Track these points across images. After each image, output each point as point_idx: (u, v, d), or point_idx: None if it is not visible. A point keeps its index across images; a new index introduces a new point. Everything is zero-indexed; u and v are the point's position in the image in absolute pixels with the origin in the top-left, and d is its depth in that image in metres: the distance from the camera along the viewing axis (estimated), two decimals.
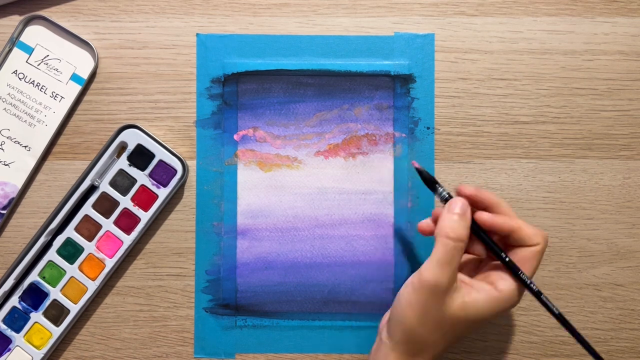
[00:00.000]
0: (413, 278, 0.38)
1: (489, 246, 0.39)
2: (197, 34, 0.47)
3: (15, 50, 0.46)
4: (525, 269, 0.39)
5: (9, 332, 0.45)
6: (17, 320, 0.45)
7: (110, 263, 0.45)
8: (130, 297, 0.46)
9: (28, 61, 0.46)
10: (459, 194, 0.40)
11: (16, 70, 0.46)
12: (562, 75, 0.47)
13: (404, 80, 0.47)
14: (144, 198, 0.45)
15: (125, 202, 0.45)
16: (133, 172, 0.45)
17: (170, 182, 0.45)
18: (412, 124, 0.47)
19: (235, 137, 0.47)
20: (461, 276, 0.39)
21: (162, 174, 0.46)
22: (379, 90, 0.47)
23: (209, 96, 0.47)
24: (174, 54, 0.47)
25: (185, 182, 0.46)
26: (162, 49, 0.47)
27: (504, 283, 0.38)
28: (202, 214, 0.47)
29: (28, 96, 0.46)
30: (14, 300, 0.45)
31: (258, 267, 0.47)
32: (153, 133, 0.46)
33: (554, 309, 0.38)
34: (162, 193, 0.45)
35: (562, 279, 0.47)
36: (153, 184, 0.45)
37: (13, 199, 0.46)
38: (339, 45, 0.47)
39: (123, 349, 0.46)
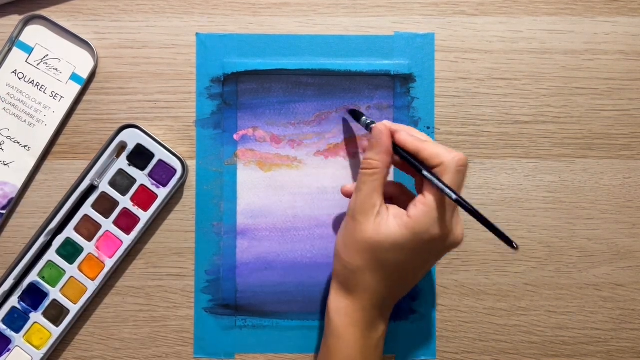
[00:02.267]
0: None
1: (408, 162, 0.40)
2: (197, 34, 0.47)
3: (15, 50, 0.46)
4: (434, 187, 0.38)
5: (8, 332, 0.45)
6: (16, 320, 0.45)
7: (109, 263, 0.45)
8: (130, 297, 0.46)
9: (27, 61, 0.46)
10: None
11: (16, 70, 0.46)
12: (562, 75, 0.47)
13: (404, 80, 0.47)
14: (144, 198, 0.45)
15: (125, 202, 0.45)
16: (133, 172, 0.45)
17: (170, 182, 0.45)
18: (412, 124, 0.47)
19: (235, 137, 0.47)
20: (394, 208, 0.40)
21: (162, 173, 0.45)
22: (379, 90, 0.47)
23: (208, 96, 0.47)
24: (173, 53, 0.47)
25: (184, 182, 0.46)
26: (162, 49, 0.47)
27: (414, 208, 0.39)
28: (202, 214, 0.47)
29: (27, 96, 0.46)
30: (14, 301, 0.45)
31: (258, 267, 0.47)
32: (153, 133, 0.46)
33: (467, 205, 0.37)
34: (162, 193, 0.45)
35: (562, 279, 0.47)
36: (153, 184, 0.45)
37: (12, 199, 0.46)
38: (339, 45, 0.47)
39: (123, 349, 0.46)
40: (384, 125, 0.40)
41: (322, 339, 0.42)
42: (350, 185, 0.44)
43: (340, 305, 0.41)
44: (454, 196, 0.37)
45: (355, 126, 0.47)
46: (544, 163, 0.47)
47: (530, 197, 0.47)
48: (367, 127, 0.43)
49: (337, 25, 0.47)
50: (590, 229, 0.47)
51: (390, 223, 0.39)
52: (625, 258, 0.47)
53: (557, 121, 0.47)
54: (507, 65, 0.47)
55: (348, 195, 0.44)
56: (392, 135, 0.40)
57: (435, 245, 0.39)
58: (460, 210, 0.38)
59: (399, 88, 0.47)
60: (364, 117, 0.44)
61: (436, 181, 0.37)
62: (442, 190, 0.37)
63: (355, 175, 0.47)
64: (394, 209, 0.40)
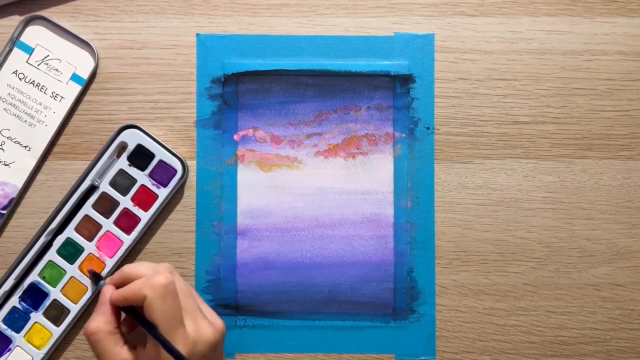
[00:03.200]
0: None
1: (126, 312, 0.40)
2: (197, 34, 0.47)
3: (16, 50, 0.46)
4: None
5: (9, 332, 0.45)
6: (17, 320, 0.45)
7: (110, 263, 0.45)
8: None
9: (28, 61, 0.46)
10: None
11: (16, 71, 0.46)
12: (562, 76, 0.47)
13: (403, 81, 0.47)
14: (144, 198, 0.45)
15: (125, 202, 0.45)
16: (133, 172, 0.45)
17: (170, 182, 0.45)
18: (412, 124, 0.47)
19: (235, 137, 0.47)
20: (140, 349, 0.39)
21: (162, 174, 0.46)
22: (379, 90, 0.47)
23: (209, 96, 0.47)
24: (173, 54, 0.47)
25: (185, 182, 0.46)
26: (162, 49, 0.47)
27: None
28: (202, 214, 0.47)
29: (28, 96, 0.46)
30: (14, 300, 0.45)
31: (258, 267, 0.47)
32: (153, 133, 0.46)
33: (174, 350, 0.37)
34: (162, 193, 0.45)
35: (562, 279, 0.47)
36: (153, 184, 0.46)
37: (13, 199, 0.46)
38: (339, 45, 0.47)
39: None
40: (107, 288, 0.41)
41: None
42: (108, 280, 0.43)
43: None
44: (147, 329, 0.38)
45: (355, 126, 0.47)
46: (544, 163, 0.47)
47: (530, 198, 0.47)
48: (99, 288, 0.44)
49: (337, 26, 0.47)
50: (590, 229, 0.47)
51: None
52: (624, 258, 0.47)
53: (556, 121, 0.47)
54: (507, 66, 0.47)
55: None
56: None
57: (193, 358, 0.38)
58: None
59: (399, 88, 0.47)
60: (101, 282, 0.44)
61: (159, 340, 0.37)
62: (157, 339, 0.37)
63: (355, 175, 0.47)
64: (137, 354, 0.39)
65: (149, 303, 0.38)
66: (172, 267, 0.41)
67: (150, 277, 0.38)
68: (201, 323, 0.39)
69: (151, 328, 0.38)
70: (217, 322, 0.41)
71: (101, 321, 0.40)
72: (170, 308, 0.38)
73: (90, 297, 0.45)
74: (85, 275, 0.45)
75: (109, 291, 0.41)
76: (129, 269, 0.41)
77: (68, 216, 0.45)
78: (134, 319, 0.39)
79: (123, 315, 0.42)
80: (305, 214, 0.47)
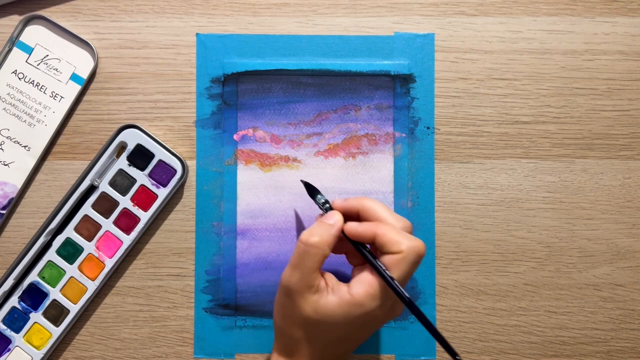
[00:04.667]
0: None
1: (357, 248, 0.40)
2: (197, 34, 0.47)
3: (15, 50, 0.46)
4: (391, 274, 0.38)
5: (8, 333, 0.45)
6: (16, 320, 0.45)
7: (109, 263, 0.45)
8: (129, 297, 0.46)
9: (28, 61, 0.46)
10: (333, 207, 0.42)
11: (16, 70, 0.46)
12: (562, 75, 0.47)
13: (404, 80, 0.47)
14: (144, 198, 0.45)
15: (125, 202, 0.45)
16: (133, 172, 0.45)
17: (170, 182, 0.45)
18: (412, 124, 0.47)
19: (235, 137, 0.47)
20: (331, 279, 0.39)
21: (162, 174, 0.46)
22: (379, 90, 0.47)
23: (208, 96, 0.47)
24: (173, 54, 0.47)
25: (185, 182, 0.46)
26: (162, 49, 0.47)
27: (357, 287, 0.38)
28: (202, 214, 0.47)
29: (28, 96, 0.46)
30: (14, 301, 0.45)
31: (258, 267, 0.47)
32: (153, 133, 0.46)
33: (421, 313, 0.37)
34: (162, 193, 0.45)
35: (562, 279, 0.47)
36: (153, 184, 0.45)
37: (13, 199, 0.46)
38: (339, 45, 0.47)
39: (123, 349, 0.46)
40: (339, 216, 0.40)
41: None
42: (340, 201, 0.42)
43: None
44: (407, 299, 0.37)
45: (355, 126, 0.47)
46: (544, 163, 0.47)
47: (530, 197, 0.47)
48: (322, 206, 0.42)
49: (337, 26, 0.47)
50: (590, 229, 0.47)
51: (330, 301, 0.38)
52: (625, 258, 0.47)
53: (556, 121, 0.47)
54: (507, 66, 0.47)
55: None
56: (345, 226, 0.40)
57: (375, 321, 0.39)
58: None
59: (399, 88, 0.47)
60: (319, 196, 0.43)
61: (393, 284, 0.37)
62: (395, 291, 0.37)
63: (355, 175, 0.47)
64: (332, 281, 0.39)
65: (402, 258, 0.37)
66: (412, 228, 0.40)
67: (412, 239, 0.38)
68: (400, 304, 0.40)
69: (414, 306, 0.37)
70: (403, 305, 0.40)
71: (326, 242, 0.39)
72: (407, 277, 0.38)
73: (91, 296, 0.45)
74: (86, 275, 0.45)
75: (341, 219, 0.40)
76: (371, 204, 0.40)
77: (67, 216, 0.45)
78: (366, 258, 0.38)
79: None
80: (305, 214, 0.47)
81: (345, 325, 0.38)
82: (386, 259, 0.38)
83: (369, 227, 0.39)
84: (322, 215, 0.41)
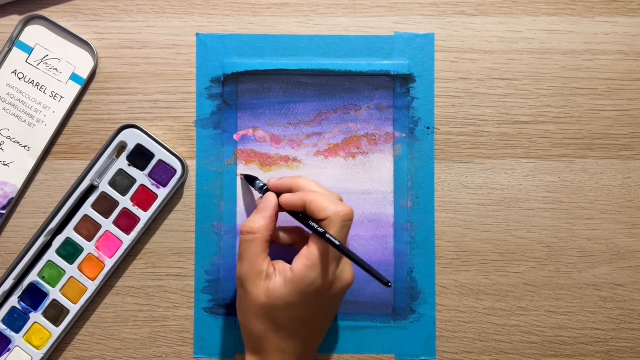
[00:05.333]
0: None
1: (292, 215, 0.42)
2: (197, 34, 0.47)
3: (15, 50, 0.46)
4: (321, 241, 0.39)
5: (8, 333, 0.45)
6: (16, 320, 0.45)
7: (109, 263, 0.45)
8: (129, 297, 0.46)
9: (28, 61, 0.46)
10: (268, 187, 0.44)
11: (16, 70, 0.46)
12: (562, 75, 0.47)
13: (404, 80, 0.47)
14: (144, 198, 0.45)
15: (125, 202, 0.45)
16: (133, 172, 0.45)
17: (170, 182, 0.45)
18: (412, 124, 0.47)
19: (235, 137, 0.47)
20: (279, 264, 0.41)
21: (162, 174, 0.45)
22: (379, 90, 0.47)
23: (208, 96, 0.47)
24: (173, 54, 0.47)
25: (185, 182, 0.46)
26: (162, 49, 0.47)
27: (296, 262, 0.39)
28: (202, 214, 0.47)
29: (28, 96, 0.46)
30: (14, 301, 0.45)
31: None
32: (153, 133, 0.46)
33: (350, 252, 0.38)
34: (162, 193, 0.45)
35: (562, 279, 0.47)
36: (153, 184, 0.45)
37: (13, 199, 0.46)
38: (339, 45, 0.47)
39: (123, 349, 0.46)
40: (272, 195, 0.42)
41: None
42: (275, 180, 0.44)
43: None
44: (337, 243, 0.38)
45: (355, 126, 0.47)
46: (544, 163, 0.47)
47: (530, 198, 0.47)
48: (261, 190, 0.44)
49: (337, 26, 0.47)
50: (590, 229, 0.47)
51: (277, 283, 0.39)
52: (624, 258, 0.47)
53: (556, 121, 0.47)
54: (507, 66, 0.47)
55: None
56: (279, 199, 0.42)
57: (324, 294, 0.40)
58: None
59: (399, 88, 0.47)
60: (257, 181, 0.45)
61: (325, 237, 0.39)
62: (327, 240, 0.39)
63: (355, 175, 0.47)
64: (280, 266, 0.40)
65: (327, 225, 0.39)
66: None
67: (337, 203, 0.40)
68: (347, 265, 0.41)
69: (340, 244, 0.38)
70: (352, 271, 0.42)
71: (262, 224, 0.40)
72: (343, 240, 0.39)
73: (91, 296, 0.45)
74: (86, 275, 0.45)
75: (274, 198, 0.42)
76: (302, 180, 0.42)
77: (67, 216, 0.45)
78: (319, 230, 0.39)
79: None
80: None
81: (299, 305, 0.39)
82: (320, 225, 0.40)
83: (300, 196, 0.41)
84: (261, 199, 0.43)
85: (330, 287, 0.40)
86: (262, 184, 0.44)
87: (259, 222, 0.40)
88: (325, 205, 0.39)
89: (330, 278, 0.40)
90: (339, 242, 0.39)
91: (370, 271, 0.38)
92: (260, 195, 0.44)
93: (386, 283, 0.37)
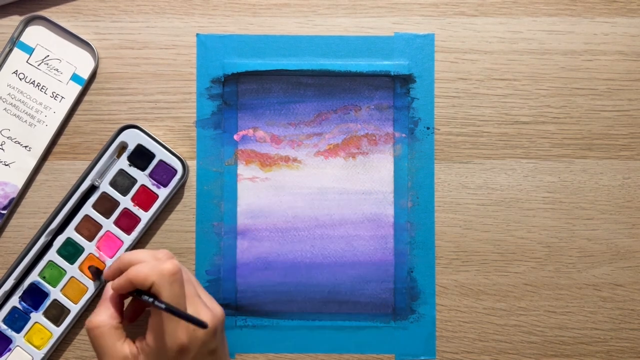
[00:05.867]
0: None
1: (134, 296, 0.40)
2: (197, 34, 0.47)
3: (16, 50, 0.46)
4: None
5: (9, 332, 0.45)
6: (17, 320, 0.45)
7: (110, 263, 0.45)
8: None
9: (28, 61, 0.46)
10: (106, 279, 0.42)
11: (16, 71, 0.46)
12: (562, 76, 0.47)
13: (404, 81, 0.47)
14: (144, 198, 0.45)
15: (126, 202, 0.45)
16: (133, 172, 0.46)
17: (171, 182, 0.45)
18: (412, 124, 0.47)
19: (235, 137, 0.47)
20: (141, 341, 0.40)
21: (162, 174, 0.46)
22: (379, 90, 0.47)
23: (209, 96, 0.47)
24: (174, 54, 0.47)
25: (185, 182, 0.46)
26: (162, 49, 0.47)
27: (148, 337, 0.39)
28: (202, 214, 0.47)
29: (28, 96, 0.46)
30: (14, 300, 0.45)
31: (258, 267, 0.47)
32: (153, 133, 0.46)
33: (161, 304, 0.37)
34: (162, 193, 0.45)
35: (562, 279, 0.47)
36: (153, 184, 0.46)
37: (13, 199, 0.46)
38: (339, 45, 0.47)
39: None
40: (109, 285, 0.41)
41: None
42: (107, 270, 0.42)
43: None
44: (163, 306, 0.37)
45: (355, 126, 0.47)
46: (544, 163, 0.47)
47: (530, 198, 0.47)
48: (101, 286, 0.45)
49: (337, 26, 0.47)
50: (590, 229, 0.47)
51: None
52: (624, 258, 0.47)
53: (556, 121, 0.47)
54: (507, 66, 0.47)
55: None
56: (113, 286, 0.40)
57: (192, 348, 0.38)
58: None
59: (399, 88, 0.47)
60: (102, 275, 0.43)
61: (149, 300, 0.38)
62: (158, 307, 0.37)
63: (355, 175, 0.47)
64: (142, 343, 0.39)
65: (157, 289, 0.38)
66: (171, 254, 0.41)
67: (157, 264, 0.38)
68: (200, 309, 0.39)
69: (165, 305, 0.37)
70: (216, 308, 0.41)
71: (105, 315, 0.40)
72: (177, 295, 0.38)
73: (91, 296, 0.45)
74: (86, 275, 0.45)
75: (108, 287, 0.41)
76: (128, 256, 0.40)
77: (68, 216, 0.45)
78: (145, 299, 0.38)
79: (126, 305, 0.42)
80: (305, 214, 0.47)
81: None
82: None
83: (123, 277, 0.39)
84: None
85: (193, 339, 0.38)
86: (99, 282, 0.45)
87: (102, 315, 0.40)
88: (145, 272, 0.38)
89: (186, 334, 0.38)
90: (165, 304, 0.37)
91: (188, 318, 0.36)
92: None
93: (203, 325, 0.36)
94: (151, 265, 0.38)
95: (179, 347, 0.38)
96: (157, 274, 0.38)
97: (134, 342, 0.40)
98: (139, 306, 0.44)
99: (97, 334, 0.39)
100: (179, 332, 0.38)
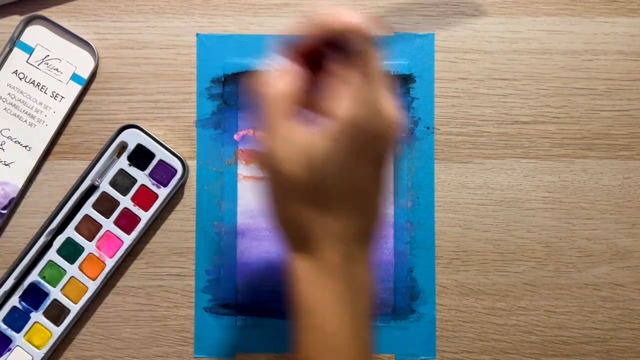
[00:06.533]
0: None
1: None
2: (197, 34, 0.47)
3: (16, 50, 0.46)
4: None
5: (9, 332, 0.45)
6: (17, 320, 0.45)
7: (110, 263, 0.45)
8: (130, 297, 0.46)
9: (28, 61, 0.46)
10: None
11: (16, 70, 0.46)
12: (562, 75, 0.47)
13: (403, 80, 0.47)
14: (144, 198, 0.46)
15: (126, 202, 0.45)
16: (133, 172, 0.46)
17: (171, 182, 0.45)
18: (412, 124, 0.47)
19: (236, 137, 0.47)
20: (297, 121, 0.31)
21: (162, 173, 0.46)
22: None
23: (209, 96, 0.47)
24: (174, 54, 0.47)
25: (185, 182, 0.46)
26: (162, 49, 0.47)
27: (337, 106, 0.30)
28: (202, 214, 0.47)
29: (28, 96, 0.46)
30: (14, 300, 0.45)
31: (258, 267, 0.47)
32: (153, 133, 0.46)
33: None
34: (162, 193, 0.45)
35: (562, 279, 0.47)
36: (153, 184, 0.46)
37: (13, 198, 0.46)
38: None
39: (123, 348, 0.46)
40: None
41: (295, 323, 0.33)
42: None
43: (306, 271, 0.32)
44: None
45: None
46: (544, 163, 0.47)
47: (530, 197, 0.47)
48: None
49: None
50: (590, 229, 0.47)
51: (318, 145, 0.30)
52: (624, 258, 0.47)
53: (556, 121, 0.47)
54: (507, 66, 0.47)
55: None
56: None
57: (373, 142, 0.30)
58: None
59: (399, 88, 0.47)
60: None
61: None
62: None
63: None
64: (303, 121, 0.31)
65: (366, 55, 0.30)
66: None
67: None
68: (386, 100, 0.31)
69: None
70: (395, 106, 0.32)
71: (290, 77, 0.31)
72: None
73: (91, 296, 0.45)
74: (86, 274, 0.45)
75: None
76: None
77: (68, 216, 0.45)
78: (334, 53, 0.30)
79: None
80: None
81: (347, 162, 0.30)
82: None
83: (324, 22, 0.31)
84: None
85: (378, 131, 0.30)
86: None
87: (285, 76, 0.31)
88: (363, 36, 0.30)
89: (385, 113, 0.30)
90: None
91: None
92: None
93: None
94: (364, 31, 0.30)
95: (370, 128, 0.30)
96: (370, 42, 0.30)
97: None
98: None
99: (279, 99, 0.31)
100: (384, 105, 0.30)
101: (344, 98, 0.30)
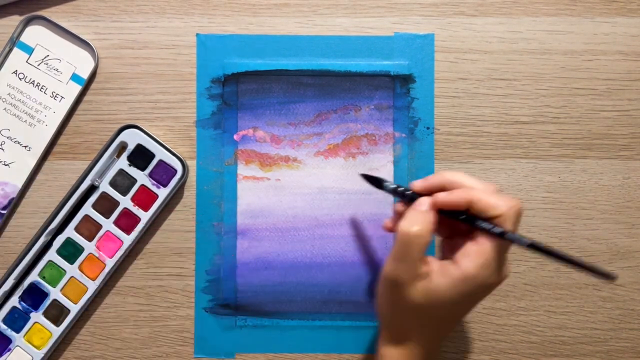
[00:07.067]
0: (381, 271, 0.40)
1: (454, 218, 0.38)
2: (197, 34, 0.47)
3: (16, 50, 0.46)
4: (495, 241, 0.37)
5: (9, 332, 0.45)
6: (17, 320, 0.45)
7: (110, 263, 0.45)
8: (130, 297, 0.47)
9: (28, 61, 0.46)
10: (413, 190, 0.40)
11: (16, 71, 0.46)
12: (562, 75, 0.47)
13: (403, 80, 0.47)
14: (144, 198, 0.46)
15: (125, 202, 0.45)
16: (133, 172, 0.46)
17: (170, 182, 0.45)
18: (412, 124, 0.47)
19: (235, 137, 0.47)
20: (433, 262, 0.38)
21: (162, 174, 0.46)
22: (379, 90, 0.47)
23: (209, 96, 0.47)
24: (174, 54, 0.47)
25: (185, 182, 0.46)
26: (162, 49, 0.47)
27: (465, 261, 0.37)
28: (202, 214, 0.47)
29: (28, 96, 0.46)
30: (14, 300, 0.45)
31: (258, 267, 0.47)
32: (153, 133, 0.46)
33: (544, 247, 0.36)
34: (162, 193, 0.45)
35: (562, 279, 0.47)
36: (153, 184, 0.46)
37: (13, 199, 0.46)
38: (339, 45, 0.47)
39: (123, 348, 0.46)
40: (427, 199, 0.39)
41: None
42: (390, 221, 0.42)
43: (392, 354, 0.40)
44: (528, 242, 0.36)
45: (355, 126, 0.47)
46: (544, 163, 0.47)
47: (530, 198, 0.47)
48: (396, 192, 0.41)
49: (337, 26, 0.47)
50: (590, 229, 0.47)
51: (441, 284, 0.37)
52: (624, 258, 0.47)
53: (556, 121, 0.47)
54: (507, 66, 0.47)
55: (390, 230, 0.42)
56: (434, 201, 0.39)
57: (488, 289, 0.38)
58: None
59: (399, 88, 0.47)
60: (386, 183, 0.42)
61: (508, 236, 0.36)
62: (514, 240, 0.36)
63: (355, 175, 0.47)
64: (435, 264, 0.38)
65: (504, 220, 0.36)
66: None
67: (506, 197, 0.37)
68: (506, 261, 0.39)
69: (532, 242, 0.36)
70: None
71: (426, 229, 0.37)
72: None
73: (91, 296, 0.45)
74: (86, 274, 0.45)
75: (430, 200, 0.38)
76: (456, 177, 0.39)
77: (68, 216, 0.45)
78: (470, 223, 0.37)
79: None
80: (305, 214, 0.47)
81: (459, 303, 0.38)
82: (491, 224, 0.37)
83: (460, 194, 0.38)
84: (402, 203, 0.41)
85: (494, 284, 0.38)
86: (394, 186, 0.42)
87: (423, 225, 0.37)
88: (494, 202, 0.37)
89: (502, 276, 0.38)
90: (531, 240, 0.36)
91: (588, 268, 0.35)
92: (399, 197, 0.41)
93: (609, 276, 0.34)
94: (497, 195, 0.37)
95: (490, 285, 0.38)
96: (508, 206, 0.36)
97: (426, 261, 0.38)
98: (447, 226, 0.41)
99: (409, 241, 0.37)
100: (501, 272, 0.38)
101: (472, 256, 0.37)
